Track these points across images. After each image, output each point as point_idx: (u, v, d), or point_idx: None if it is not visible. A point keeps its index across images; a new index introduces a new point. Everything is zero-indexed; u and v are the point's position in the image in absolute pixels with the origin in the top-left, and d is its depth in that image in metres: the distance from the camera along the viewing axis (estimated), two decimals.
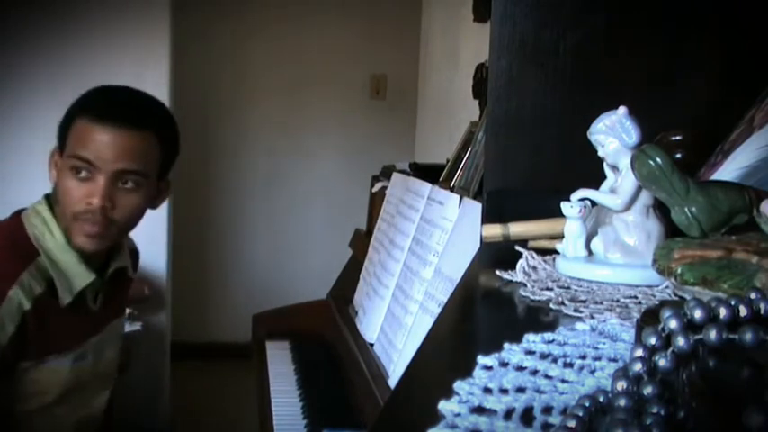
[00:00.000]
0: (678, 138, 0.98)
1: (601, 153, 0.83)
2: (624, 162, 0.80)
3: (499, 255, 0.93)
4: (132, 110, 1.33)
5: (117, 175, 1.29)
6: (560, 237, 0.86)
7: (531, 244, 0.95)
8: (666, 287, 0.75)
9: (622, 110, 0.81)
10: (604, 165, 0.84)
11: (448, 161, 1.90)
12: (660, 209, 0.80)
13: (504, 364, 0.50)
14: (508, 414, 0.42)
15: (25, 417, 1.31)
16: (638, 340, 0.44)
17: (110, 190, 1.29)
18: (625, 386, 0.39)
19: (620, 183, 0.81)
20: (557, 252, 0.87)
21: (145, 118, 1.33)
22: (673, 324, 0.42)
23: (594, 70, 1.09)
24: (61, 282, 1.30)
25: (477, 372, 0.49)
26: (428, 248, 1.48)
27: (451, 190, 1.54)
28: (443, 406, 0.43)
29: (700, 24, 1.08)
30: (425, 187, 1.64)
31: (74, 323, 1.34)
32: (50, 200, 1.35)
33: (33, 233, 1.31)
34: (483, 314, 0.81)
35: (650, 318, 0.46)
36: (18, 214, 1.36)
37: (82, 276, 1.32)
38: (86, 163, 1.28)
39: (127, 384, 1.58)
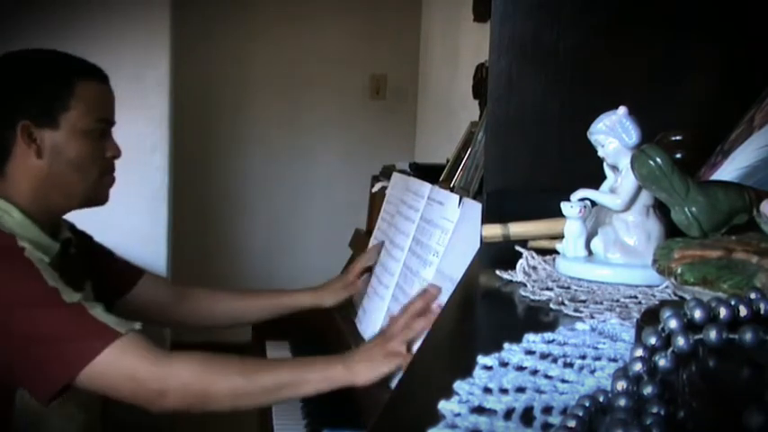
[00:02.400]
0: (678, 138, 0.98)
1: (601, 153, 0.83)
2: (624, 162, 0.80)
3: (499, 255, 0.93)
4: None
5: None
6: (560, 237, 0.86)
7: (531, 244, 0.95)
8: (666, 287, 0.75)
9: (622, 110, 0.81)
10: (604, 165, 0.84)
11: (448, 161, 1.90)
12: (660, 209, 0.80)
13: (504, 364, 0.50)
14: (508, 414, 0.42)
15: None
16: (638, 340, 0.44)
17: None
18: (625, 386, 0.39)
19: (620, 183, 0.81)
20: (557, 252, 0.87)
21: None
22: (673, 324, 0.42)
23: (594, 70, 1.09)
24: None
25: (477, 372, 0.49)
26: (428, 249, 1.48)
27: (451, 190, 1.54)
28: (443, 406, 0.43)
29: (700, 24, 1.08)
30: (425, 187, 1.64)
31: None
32: None
33: None
34: (483, 314, 0.81)
35: (650, 318, 0.46)
36: None
37: (50, 246, 1.36)
38: (108, 123, 1.41)
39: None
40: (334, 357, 1.24)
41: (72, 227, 1.53)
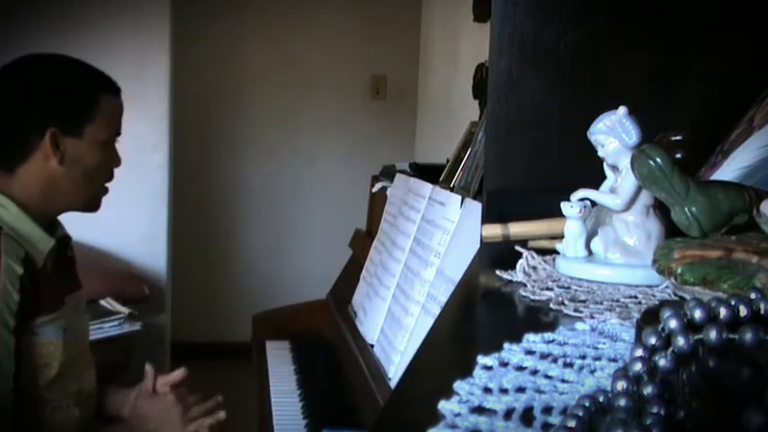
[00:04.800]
0: (678, 138, 0.99)
1: (601, 153, 0.83)
2: (624, 162, 0.80)
3: (499, 255, 0.93)
4: None
5: None
6: (560, 237, 0.86)
7: (531, 244, 0.95)
8: (666, 287, 0.75)
9: (622, 110, 0.81)
10: (604, 165, 0.84)
11: (448, 161, 1.90)
12: (660, 209, 0.80)
13: (504, 364, 0.50)
14: (508, 414, 0.42)
15: (38, 392, 1.34)
16: (638, 340, 0.44)
17: None
18: (625, 386, 0.39)
19: (620, 183, 0.81)
20: (557, 252, 0.87)
21: None
22: (673, 324, 0.42)
23: (594, 70, 1.09)
24: (30, 248, 1.34)
25: (477, 372, 0.49)
26: (429, 249, 1.48)
27: (451, 190, 1.54)
28: (443, 406, 0.43)
29: (700, 24, 1.08)
30: (426, 188, 1.64)
31: (50, 284, 1.38)
32: None
33: None
34: (483, 314, 0.81)
35: (650, 318, 0.46)
36: None
37: (45, 241, 1.37)
38: (118, 135, 1.44)
39: (127, 384, 1.58)
40: None
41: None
